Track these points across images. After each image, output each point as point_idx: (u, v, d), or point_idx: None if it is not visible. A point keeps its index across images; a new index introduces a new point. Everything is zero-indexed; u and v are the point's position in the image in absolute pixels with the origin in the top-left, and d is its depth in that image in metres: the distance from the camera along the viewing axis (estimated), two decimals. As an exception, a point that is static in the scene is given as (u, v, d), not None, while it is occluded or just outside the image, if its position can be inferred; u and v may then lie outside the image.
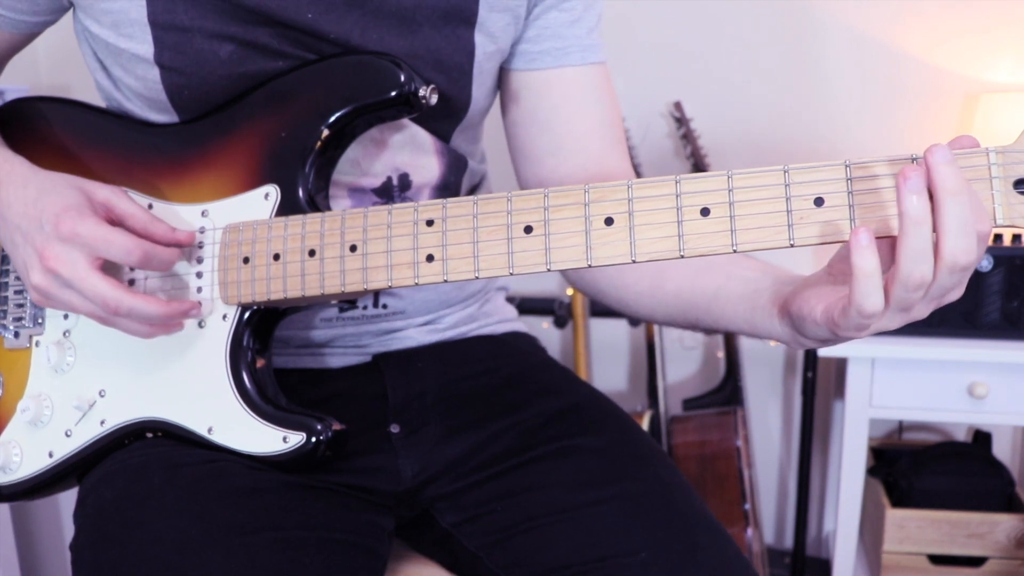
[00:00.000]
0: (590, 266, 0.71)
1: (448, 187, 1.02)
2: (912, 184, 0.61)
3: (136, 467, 0.88)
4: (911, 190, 0.61)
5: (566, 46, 1.00)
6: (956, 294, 0.67)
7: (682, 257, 0.69)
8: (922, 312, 0.68)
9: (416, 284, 0.78)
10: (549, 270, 0.72)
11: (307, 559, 0.81)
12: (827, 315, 0.70)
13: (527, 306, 2.23)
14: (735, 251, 0.68)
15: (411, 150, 0.97)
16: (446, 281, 0.77)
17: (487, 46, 0.96)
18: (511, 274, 0.74)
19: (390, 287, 0.79)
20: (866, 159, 0.66)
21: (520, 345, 1.12)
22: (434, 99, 0.87)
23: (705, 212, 0.69)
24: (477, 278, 0.75)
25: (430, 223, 0.77)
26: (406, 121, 0.95)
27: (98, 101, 1.01)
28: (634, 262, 0.70)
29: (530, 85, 1.02)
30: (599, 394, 1.05)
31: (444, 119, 0.98)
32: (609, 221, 0.71)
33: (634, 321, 2.22)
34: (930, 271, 0.63)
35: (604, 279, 1.00)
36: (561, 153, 1.02)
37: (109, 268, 0.86)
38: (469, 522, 0.93)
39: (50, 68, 2.24)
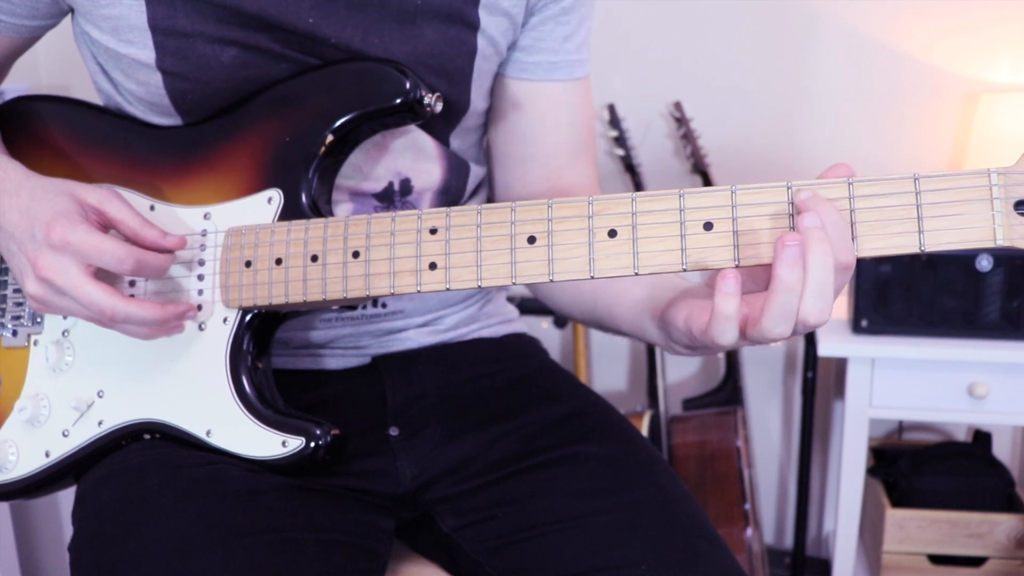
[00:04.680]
0: (593, 277, 0.71)
1: (449, 191, 1.02)
2: (793, 254, 0.65)
3: (134, 469, 0.88)
4: (794, 262, 0.65)
5: (557, 60, 1.01)
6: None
7: (684, 271, 0.70)
8: None
9: (419, 292, 0.78)
10: (552, 280, 0.72)
11: (307, 561, 0.81)
12: (687, 324, 0.75)
13: (527, 306, 2.22)
14: (738, 266, 0.69)
15: (413, 155, 0.97)
16: (448, 289, 0.77)
17: (487, 49, 0.96)
18: (513, 283, 0.74)
19: (392, 294, 0.79)
20: (870, 177, 0.66)
21: (522, 348, 1.12)
22: (439, 107, 0.87)
23: (708, 226, 0.69)
24: (480, 287, 0.76)
25: (433, 231, 0.77)
26: (409, 126, 0.95)
27: (99, 102, 1.01)
28: (637, 274, 0.71)
29: (516, 93, 1.02)
30: (601, 400, 1.05)
31: (445, 121, 0.98)
32: (613, 233, 0.71)
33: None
34: (790, 329, 0.67)
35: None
36: (530, 163, 1.05)
37: (106, 274, 0.85)
38: (469, 527, 0.93)
39: (50, 68, 2.24)
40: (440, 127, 0.99)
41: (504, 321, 1.14)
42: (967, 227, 0.64)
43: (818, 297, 0.66)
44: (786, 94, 2.25)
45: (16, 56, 1.01)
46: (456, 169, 1.02)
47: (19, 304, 0.97)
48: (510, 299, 1.20)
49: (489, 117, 1.06)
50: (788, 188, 0.67)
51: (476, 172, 1.08)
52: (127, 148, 0.95)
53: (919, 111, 2.19)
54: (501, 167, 1.08)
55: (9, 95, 1.03)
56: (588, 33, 1.03)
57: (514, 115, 1.03)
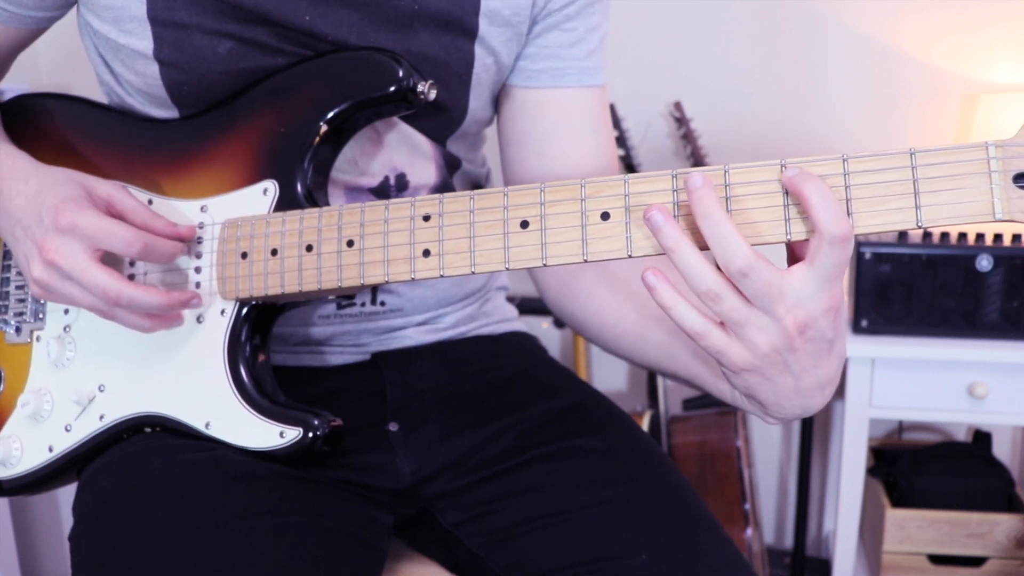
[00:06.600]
0: (586, 261, 0.71)
1: (447, 188, 1.02)
2: (655, 223, 0.67)
3: (135, 455, 0.88)
4: (656, 227, 0.67)
5: (564, 67, 0.99)
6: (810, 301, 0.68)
7: None
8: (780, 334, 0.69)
9: (413, 279, 0.78)
10: (545, 264, 0.72)
11: (307, 547, 0.81)
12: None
13: (527, 306, 2.22)
14: None
15: (408, 150, 0.97)
16: (442, 276, 0.77)
17: (485, 58, 0.96)
18: (507, 269, 0.74)
19: (387, 282, 0.80)
20: (864, 153, 0.66)
21: (521, 345, 1.12)
22: (432, 94, 0.87)
23: None
24: (473, 273, 0.75)
25: (427, 218, 0.77)
26: (404, 124, 0.96)
27: (98, 99, 1.01)
28: (631, 256, 0.71)
29: (525, 103, 1.01)
30: (600, 395, 1.05)
31: (440, 126, 0.98)
32: (605, 216, 0.71)
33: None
34: (714, 282, 0.67)
35: (582, 314, 1.00)
36: (549, 180, 1.01)
37: (109, 262, 0.86)
38: (470, 522, 0.93)
39: (50, 68, 2.24)
40: (439, 130, 0.99)
41: (503, 320, 1.14)
42: (965, 201, 0.63)
43: (719, 247, 0.66)
44: (786, 94, 2.25)
45: (20, 49, 1.01)
46: (451, 167, 1.02)
47: (21, 301, 0.98)
48: (509, 299, 1.20)
49: (501, 135, 1.05)
50: (782, 166, 0.67)
51: (474, 172, 1.08)
52: (125, 143, 0.95)
53: (919, 111, 2.19)
54: (519, 184, 1.03)
55: (9, 95, 1.04)
56: (600, 42, 1.01)
57: (525, 126, 1.01)
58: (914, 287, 1.84)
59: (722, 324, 0.69)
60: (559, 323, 2.24)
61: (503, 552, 0.90)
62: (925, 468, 2.08)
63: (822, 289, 0.66)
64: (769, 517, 2.48)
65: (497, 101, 1.03)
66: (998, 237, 1.83)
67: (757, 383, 0.72)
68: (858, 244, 1.84)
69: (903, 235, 1.86)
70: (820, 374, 0.72)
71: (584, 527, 0.88)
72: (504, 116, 1.04)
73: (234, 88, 0.90)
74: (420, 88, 0.86)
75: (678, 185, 0.69)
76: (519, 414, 0.98)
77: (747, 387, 0.73)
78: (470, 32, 0.94)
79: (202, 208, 0.90)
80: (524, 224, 0.74)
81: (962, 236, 1.83)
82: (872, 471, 2.16)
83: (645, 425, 2.07)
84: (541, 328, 2.39)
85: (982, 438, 2.16)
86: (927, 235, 1.86)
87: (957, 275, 1.82)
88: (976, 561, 2.02)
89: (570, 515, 0.89)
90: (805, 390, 0.73)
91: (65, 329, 0.95)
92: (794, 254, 0.70)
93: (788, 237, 0.67)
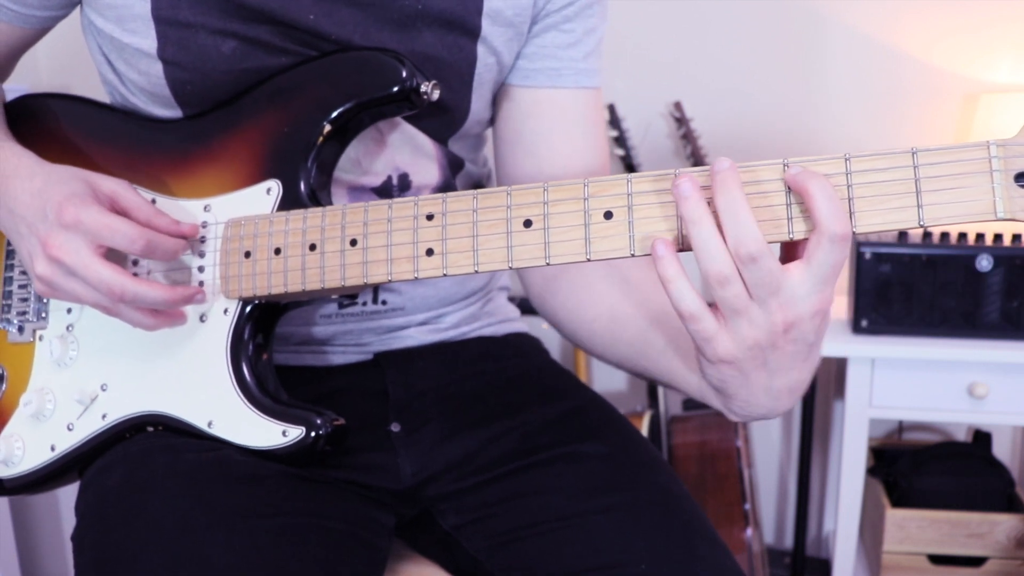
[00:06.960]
0: (589, 259, 0.72)
1: (449, 188, 1.02)
2: (682, 190, 0.67)
3: (137, 454, 0.88)
4: (682, 195, 0.67)
5: (560, 67, 1.00)
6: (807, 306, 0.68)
7: (681, 250, 0.70)
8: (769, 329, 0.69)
9: (416, 278, 0.78)
10: (548, 264, 0.72)
11: (309, 547, 0.82)
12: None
13: (528, 306, 2.22)
14: None
15: (411, 150, 0.97)
16: (445, 275, 0.77)
17: (487, 58, 0.96)
18: (510, 268, 0.74)
19: (390, 281, 0.80)
20: (866, 152, 0.66)
21: (523, 347, 1.12)
22: (436, 94, 0.87)
23: None
24: (477, 272, 0.76)
25: (430, 217, 0.78)
26: (406, 124, 0.96)
27: (100, 99, 1.01)
28: (633, 255, 0.71)
29: (521, 102, 1.01)
30: (601, 399, 1.05)
31: (443, 126, 0.99)
32: (608, 215, 0.71)
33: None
34: (727, 265, 0.66)
35: (563, 311, 1.01)
36: (541, 179, 1.01)
37: (113, 260, 0.86)
38: (470, 524, 0.94)
39: (51, 69, 2.24)
40: (440, 130, 0.99)
41: (505, 320, 1.14)
42: (967, 201, 0.64)
43: (734, 223, 0.66)
44: (786, 94, 2.25)
45: (23, 50, 1.01)
46: (454, 167, 1.03)
47: (24, 300, 0.98)
48: (511, 299, 1.20)
49: (495, 133, 1.05)
50: (784, 165, 0.67)
51: (475, 171, 1.08)
52: (129, 143, 0.95)
53: (919, 111, 2.19)
54: (512, 183, 1.04)
55: (11, 95, 1.04)
56: (597, 44, 1.02)
57: (519, 125, 1.02)
58: (914, 287, 1.84)
59: (715, 311, 0.70)
60: (560, 323, 2.24)
61: (503, 556, 0.91)
62: (925, 468, 2.08)
63: (816, 290, 0.67)
64: (769, 517, 2.48)
65: (494, 100, 1.04)
66: (998, 237, 1.83)
67: (732, 377, 0.72)
68: (858, 244, 1.84)
69: (903, 235, 1.86)
70: (793, 377, 0.73)
71: (585, 533, 0.88)
72: (499, 115, 1.04)
73: (238, 88, 0.90)
74: (423, 88, 0.86)
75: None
76: (521, 416, 0.98)
77: (721, 380, 0.74)
78: (473, 32, 0.94)
79: (205, 207, 0.90)
80: (527, 223, 0.74)
81: (962, 236, 1.83)
82: (872, 471, 2.16)
83: (645, 425, 2.07)
84: (541, 328, 2.38)
85: (982, 438, 2.16)
86: (927, 235, 1.86)
87: (957, 275, 1.82)
88: (976, 561, 2.02)
89: (571, 520, 0.89)
90: (775, 391, 0.73)
91: (68, 328, 0.95)
92: (789, 256, 0.70)
93: (790, 236, 0.67)
